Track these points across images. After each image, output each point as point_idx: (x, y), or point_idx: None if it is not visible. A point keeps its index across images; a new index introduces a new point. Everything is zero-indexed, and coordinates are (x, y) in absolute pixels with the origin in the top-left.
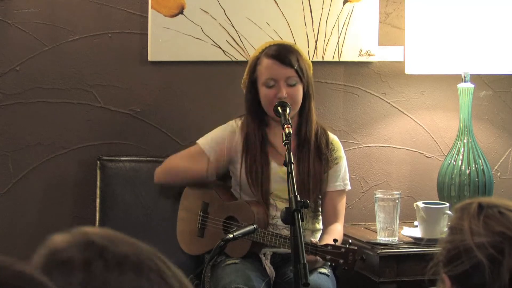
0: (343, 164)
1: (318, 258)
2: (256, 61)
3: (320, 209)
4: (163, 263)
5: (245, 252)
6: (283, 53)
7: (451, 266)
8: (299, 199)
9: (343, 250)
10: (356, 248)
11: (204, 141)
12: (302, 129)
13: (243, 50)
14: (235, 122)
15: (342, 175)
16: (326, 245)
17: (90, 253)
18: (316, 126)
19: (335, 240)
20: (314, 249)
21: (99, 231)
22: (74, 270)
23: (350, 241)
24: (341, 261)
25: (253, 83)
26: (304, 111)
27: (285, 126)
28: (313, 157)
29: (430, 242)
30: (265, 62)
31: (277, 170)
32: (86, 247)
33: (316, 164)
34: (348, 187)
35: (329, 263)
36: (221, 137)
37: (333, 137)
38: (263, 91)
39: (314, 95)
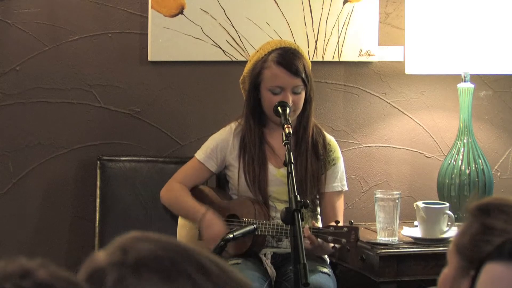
0: (341, 164)
1: (320, 240)
2: (262, 63)
3: (319, 209)
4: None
5: (246, 249)
6: (291, 61)
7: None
8: (299, 199)
9: (345, 229)
10: (358, 226)
11: (200, 153)
12: (300, 130)
13: (243, 50)
14: (230, 127)
15: (340, 176)
16: (328, 226)
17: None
18: (312, 126)
19: (336, 222)
20: (316, 231)
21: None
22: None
23: (352, 220)
24: (344, 240)
25: (256, 85)
26: (304, 114)
27: (285, 126)
28: (310, 156)
29: (430, 242)
30: (274, 69)
31: (274, 172)
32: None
33: (313, 163)
34: (345, 188)
35: (333, 248)
36: (215, 145)
37: (330, 137)
38: (268, 96)
39: (314, 97)
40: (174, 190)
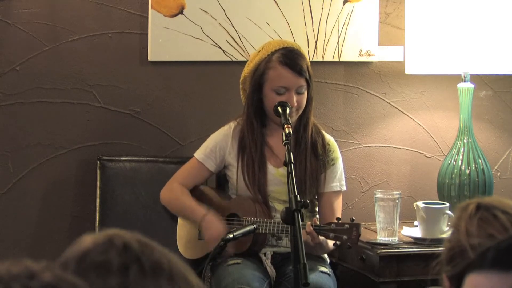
0: (340, 164)
1: (322, 238)
2: (266, 64)
3: (317, 210)
4: (188, 272)
5: (246, 248)
6: (296, 61)
7: (449, 266)
8: (299, 199)
9: (346, 226)
10: (359, 223)
11: (199, 153)
12: (300, 129)
13: (243, 50)
14: (229, 127)
15: (339, 176)
16: (329, 223)
17: (128, 257)
18: (311, 125)
19: (338, 219)
20: (318, 228)
21: (133, 235)
22: (111, 273)
23: (353, 218)
24: (345, 237)
25: (259, 86)
26: (305, 113)
27: (285, 126)
28: (309, 155)
29: (431, 242)
30: (279, 69)
31: (273, 172)
32: (123, 251)
33: (312, 163)
34: (344, 188)
35: (335, 247)
36: (214, 144)
37: (329, 137)
38: (272, 96)
39: (314, 97)
40: (174, 191)
